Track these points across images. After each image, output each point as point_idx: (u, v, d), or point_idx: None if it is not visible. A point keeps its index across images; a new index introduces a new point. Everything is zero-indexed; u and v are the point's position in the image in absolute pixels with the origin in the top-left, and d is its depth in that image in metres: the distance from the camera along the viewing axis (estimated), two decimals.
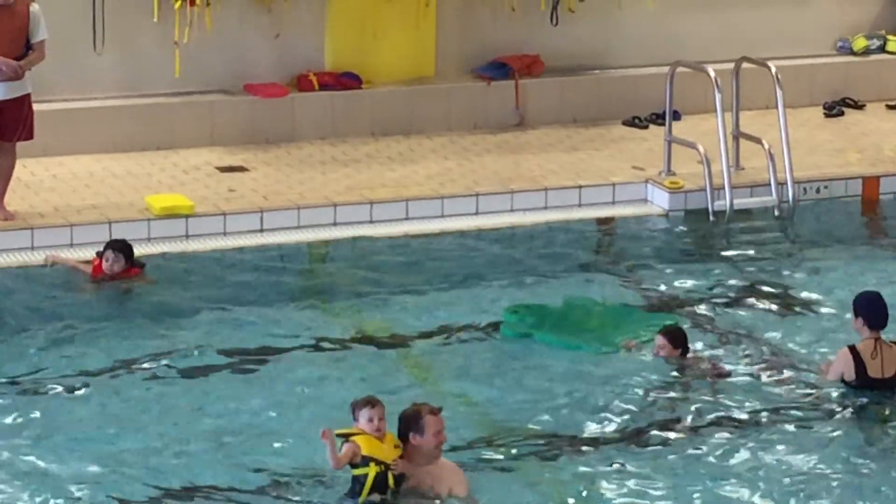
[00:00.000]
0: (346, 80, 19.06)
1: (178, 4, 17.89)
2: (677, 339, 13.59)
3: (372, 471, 11.16)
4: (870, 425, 12.74)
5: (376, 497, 11.22)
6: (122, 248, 15.26)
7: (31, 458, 12.01)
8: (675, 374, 13.38)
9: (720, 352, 13.98)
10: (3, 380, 13.30)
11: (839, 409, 12.92)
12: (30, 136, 16.17)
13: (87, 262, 15.39)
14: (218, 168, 17.82)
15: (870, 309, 13.06)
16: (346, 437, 11.24)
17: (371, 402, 11.35)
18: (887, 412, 12.84)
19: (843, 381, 13.03)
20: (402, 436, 11.37)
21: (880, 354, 12.95)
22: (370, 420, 11.21)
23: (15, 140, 16.11)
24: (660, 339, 13.61)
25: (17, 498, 11.44)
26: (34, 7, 16.00)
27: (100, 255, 15.26)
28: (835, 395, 13.09)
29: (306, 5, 18.82)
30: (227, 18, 18.40)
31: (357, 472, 11.19)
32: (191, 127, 18.43)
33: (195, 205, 16.57)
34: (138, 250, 15.70)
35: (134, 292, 15.15)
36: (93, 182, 17.21)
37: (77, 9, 17.91)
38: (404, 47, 19.29)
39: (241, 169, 17.81)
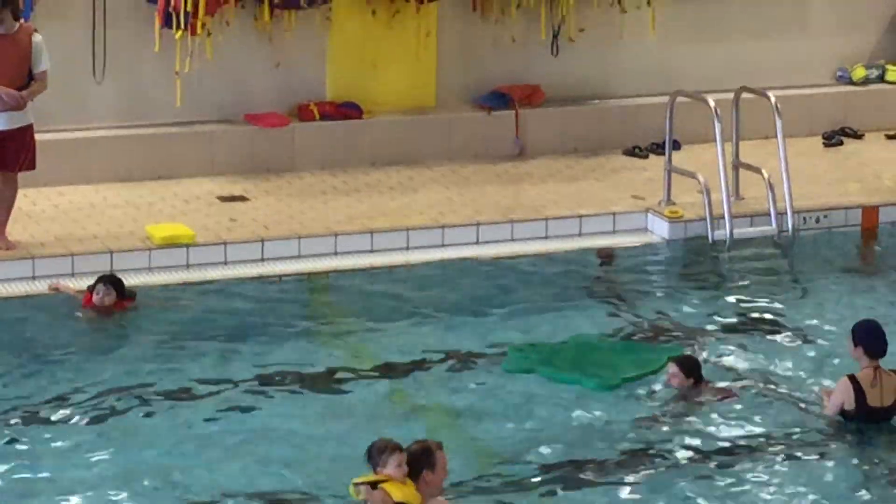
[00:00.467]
0: (347, 110, 19.08)
1: (178, 34, 17.89)
2: (690, 367, 13.57)
3: None
4: (869, 456, 12.76)
5: None
6: (113, 282, 15.24)
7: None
8: (680, 402, 13.40)
9: (721, 382, 13.90)
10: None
11: (839, 438, 12.95)
12: (32, 167, 16.17)
13: (79, 291, 15.41)
14: (219, 198, 17.84)
15: (869, 337, 13.04)
16: (371, 484, 10.94)
17: (398, 448, 11.03)
18: (886, 443, 12.87)
19: (842, 409, 13.03)
20: (414, 473, 11.06)
21: (880, 383, 12.94)
22: (399, 465, 10.89)
23: (17, 170, 16.12)
24: (672, 368, 13.59)
25: None
26: (36, 37, 16.01)
27: (90, 288, 15.20)
28: (835, 424, 13.09)
29: (307, 35, 18.83)
30: (228, 48, 18.41)
31: None
32: (191, 156, 18.45)
33: (196, 234, 16.56)
34: (139, 279, 15.81)
35: (131, 322, 15.11)
36: (93, 212, 17.21)
37: (77, 38, 17.95)
38: (405, 77, 19.32)
39: (241, 198, 17.83)
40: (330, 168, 18.75)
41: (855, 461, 12.69)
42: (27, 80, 15.91)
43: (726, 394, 13.52)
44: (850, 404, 12.95)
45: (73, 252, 16.12)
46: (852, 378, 12.98)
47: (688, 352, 14.38)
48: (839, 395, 13.03)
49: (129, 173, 18.16)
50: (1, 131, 15.89)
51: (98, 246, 16.30)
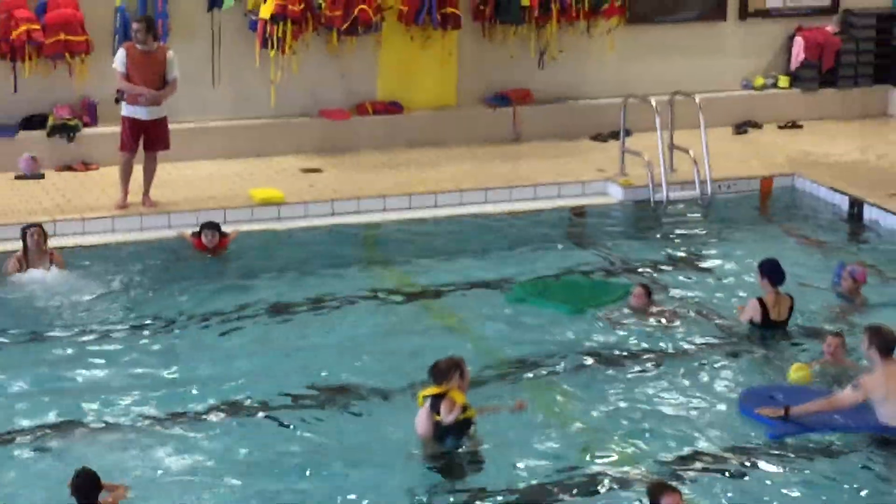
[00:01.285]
0: (392, 107, 19.05)
1: (272, 53, 17.87)
2: (649, 291, 13.59)
3: (472, 413, 10.71)
4: (769, 352, 12.84)
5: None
6: (214, 226, 15.15)
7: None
8: (633, 320, 13.38)
9: (663, 304, 13.92)
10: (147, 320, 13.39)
11: (751, 340, 13.04)
12: (167, 147, 16.18)
13: (184, 235, 15.32)
14: (301, 170, 17.79)
15: (772, 270, 13.10)
16: (438, 396, 10.58)
17: (460, 364, 10.68)
18: (780, 342, 12.96)
19: (751, 322, 13.08)
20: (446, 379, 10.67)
21: (778, 304, 13.02)
22: (463, 377, 10.64)
23: (157, 150, 16.14)
24: (637, 290, 13.56)
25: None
26: (170, 53, 16.01)
27: (196, 234, 15.11)
28: (746, 332, 13.16)
29: (364, 54, 18.79)
30: (307, 63, 18.38)
31: (465, 415, 10.59)
32: (282, 140, 18.43)
33: (285, 196, 16.56)
34: (244, 228, 15.76)
35: (237, 261, 15.07)
36: (211, 180, 17.21)
37: (200, 55, 18.00)
38: (434, 84, 19.25)
39: (317, 170, 17.78)
40: (380, 149, 18.65)
41: (760, 354, 12.79)
42: (163, 84, 15.92)
43: (670, 312, 13.47)
44: (757, 318, 13.02)
45: (197, 208, 16.10)
46: (760, 300, 13.04)
47: (634, 280, 14.38)
48: (750, 311, 13.09)
49: (237, 152, 18.14)
50: (144, 121, 15.91)
51: (214, 204, 16.29)
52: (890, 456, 10.67)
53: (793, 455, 10.75)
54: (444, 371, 10.66)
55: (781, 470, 10.54)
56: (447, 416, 10.53)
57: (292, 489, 10.27)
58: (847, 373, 11.82)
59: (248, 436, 11.06)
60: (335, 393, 11.81)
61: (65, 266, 14.23)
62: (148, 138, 16.00)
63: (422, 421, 10.71)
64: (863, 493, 10.22)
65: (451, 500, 10.14)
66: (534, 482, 10.38)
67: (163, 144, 16.14)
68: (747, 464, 10.67)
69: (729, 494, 10.23)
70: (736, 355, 12.72)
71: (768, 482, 10.40)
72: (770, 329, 13.01)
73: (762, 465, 10.64)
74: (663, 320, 13.29)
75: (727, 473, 10.54)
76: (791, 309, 13.09)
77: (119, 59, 15.77)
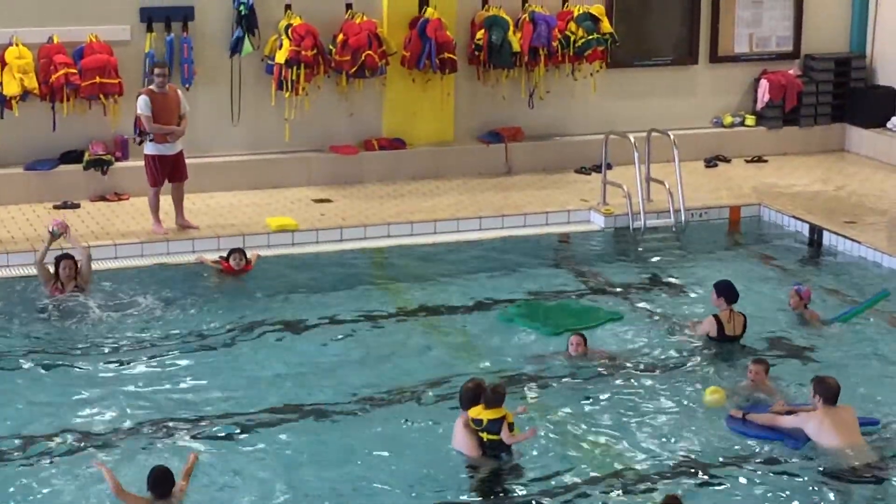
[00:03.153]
0: (396, 143, 19.11)
1: (287, 94, 17.99)
2: (584, 339, 12.95)
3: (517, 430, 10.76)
4: (724, 363, 12.99)
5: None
6: (242, 252, 15.33)
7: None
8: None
9: (634, 322, 14.05)
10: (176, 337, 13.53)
11: (709, 352, 13.18)
12: (187, 177, 16.37)
13: (216, 261, 15.39)
14: (313, 200, 17.87)
15: (726, 290, 13.27)
16: (497, 419, 10.59)
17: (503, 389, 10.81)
18: (735, 354, 13.10)
19: (708, 336, 13.23)
20: (475, 401, 10.70)
21: (733, 320, 13.19)
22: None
23: (182, 181, 16.30)
24: (574, 339, 12.86)
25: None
26: (179, 91, 16.26)
27: (224, 258, 15.25)
28: (705, 343, 13.31)
29: (371, 95, 18.87)
30: (319, 103, 18.46)
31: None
32: (295, 173, 18.52)
33: (298, 223, 16.66)
34: (262, 252, 15.82)
35: (254, 283, 15.14)
36: (232, 209, 17.30)
37: (221, 96, 18.09)
38: (433, 122, 19.30)
39: (328, 201, 17.84)
40: (384, 181, 18.72)
41: (715, 367, 12.87)
42: (178, 121, 16.12)
43: (609, 357, 12.97)
44: (713, 333, 13.19)
45: (218, 235, 16.20)
46: (716, 317, 13.20)
47: (613, 299, 14.45)
48: (706, 326, 13.24)
49: (255, 184, 18.22)
50: (170, 156, 16.11)
51: (234, 231, 16.37)
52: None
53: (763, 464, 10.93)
54: (503, 395, 10.67)
55: (747, 479, 10.70)
56: (511, 439, 10.57)
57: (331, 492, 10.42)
58: (770, 397, 11.84)
59: (282, 439, 11.25)
60: (349, 402, 12.01)
61: (89, 290, 14.32)
62: (174, 170, 16.18)
63: (469, 442, 10.63)
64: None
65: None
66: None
67: (185, 174, 16.32)
68: (721, 472, 10.80)
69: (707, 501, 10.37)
70: (694, 369, 12.84)
71: (739, 488, 10.56)
72: (726, 343, 13.16)
73: (736, 471, 10.79)
74: (604, 363, 12.82)
75: (700, 479, 10.68)
76: (745, 325, 13.22)
77: (145, 105, 15.90)
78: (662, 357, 13.10)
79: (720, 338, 13.16)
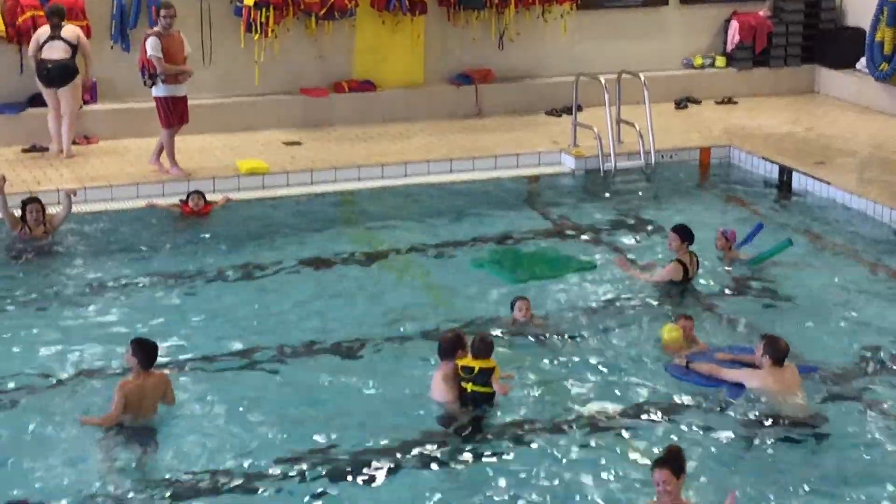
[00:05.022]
0: (366, 86, 19.01)
1: (256, 37, 17.85)
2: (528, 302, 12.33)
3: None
4: (690, 298, 13.08)
5: None
6: (201, 193, 15.28)
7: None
8: None
9: (603, 259, 14.05)
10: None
11: (671, 292, 13.18)
12: (187, 121, 16.35)
13: (176, 204, 15.32)
14: (283, 143, 17.78)
15: (685, 234, 13.28)
16: (487, 370, 10.45)
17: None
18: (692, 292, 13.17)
19: (672, 280, 13.19)
20: (452, 352, 10.59)
21: (692, 262, 13.23)
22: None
23: (185, 123, 16.23)
24: (519, 303, 12.23)
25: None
26: (180, 33, 16.15)
27: (184, 200, 15.20)
28: (668, 285, 13.26)
29: (340, 37, 18.75)
30: (288, 46, 18.37)
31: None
32: (265, 116, 18.41)
33: (269, 166, 16.58)
34: (231, 196, 15.77)
35: (223, 226, 15.08)
36: (202, 152, 17.17)
37: (192, 40, 17.65)
38: (403, 64, 19.20)
39: (298, 143, 17.76)
40: (355, 123, 18.62)
41: (675, 310, 12.77)
42: (184, 61, 16.11)
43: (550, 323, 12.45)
44: (678, 277, 13.19)
45: (189, 178, 16.08)
46: (679, 261, 13.21)
47: (583, 241, 14.41)
48: (672, 272, 13.21)
49: (225, 127, 18.09)
50: (180, 97, 16.08)
51: (205, 174, 16.28)
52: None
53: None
54: (491, 344, 10.54)
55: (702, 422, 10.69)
56: (502, 390, 10.46)
57: (319, 425, 10.43)
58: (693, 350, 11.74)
59: (244, 381, 11.25)
60: (328, 344, 11.98)
61: (55, 233, 14.20)
62: (183, 112, 16.11)
63: (448, 388, 10.47)
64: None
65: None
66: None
67: (187, 117, 16.24)
68: (669, 415, 10.79)
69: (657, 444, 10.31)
70: (659, 315, 12.80)
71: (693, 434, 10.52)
72: (685, 284, 13.19)
73: (683, 416, 10.76)
74: (546, 334, 12.19)
75: (654, 423, 10.66)
76: (698, 265, 13.32)
77: (155, 47, 15.76)
78: (624, 304, 13.01)
79: (684, 279, 13.17)
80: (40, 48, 16.31)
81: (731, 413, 10.70)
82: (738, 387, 10.94)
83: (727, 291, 13.30)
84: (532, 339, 12.04)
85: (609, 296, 13.18)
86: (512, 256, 14.34)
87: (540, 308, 12.61)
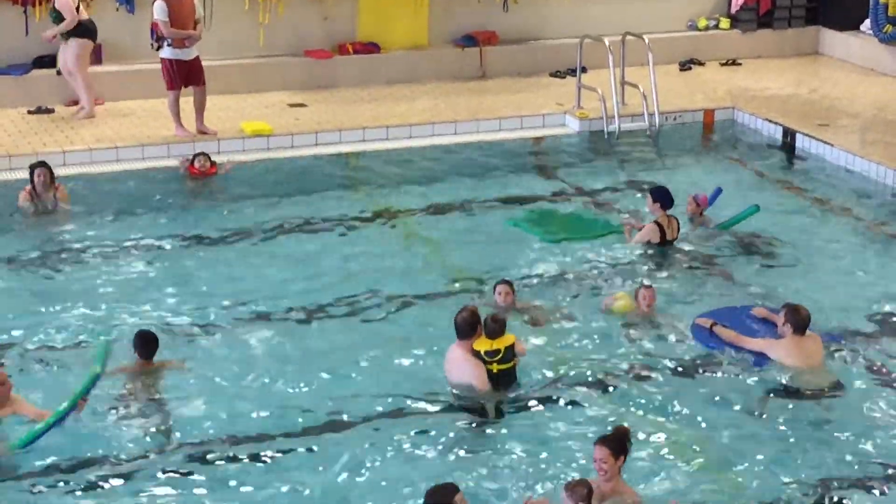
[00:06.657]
0: (371, 48, 18.98)
1: None
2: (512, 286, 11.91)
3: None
4: (670, 259, 13.09)
5: None
6: (207, 155, 15.29)
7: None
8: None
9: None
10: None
11: (656, 256, 13.15)
12: (204, 83, 16.24)
13: (182, 163, 15.35)
14: (288, 104, 17.76)
15: (663, 197, 13.29)
16: (511, 346, 10.22)
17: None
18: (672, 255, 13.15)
19: (649, 242, 13.19)
20: (473, 330, 10.22)
21: (671, 225, 13.24)
22: None
23: (202, 84, 16.13)
24: (501, 287, 11.72)
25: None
26: None
27: (191, 161, 15.20)
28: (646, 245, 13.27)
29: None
30: (293, 7, 18.36)
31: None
32: (270, 78, 18.38)
33: (273, 128, 16.56)
34: (236, 157, 15.76)
35: (229, 187, 15.07)
36: (207, 114, 16.86)
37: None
38: (408, 26, 19.16)
39: (302, 105, 17.75)
40: (359, 85, 18.62)
41: (658, 272, 12.84)
42: (194, 25, 16.01)
43: (534, 308, 11.90)
44: (656, 239, 13.21)
45: (194, 139, 16.06)
46: (657, 222, 13.21)
47: (588, 204, 14.38)
48: (648, 234, 13.23)
49: (230, 89, 18.06)
50: (187, 61, 15.99)
51: (209, 135, 16.23)
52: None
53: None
54: (504, 322, 10.24)
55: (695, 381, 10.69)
56: (522, 352, 10.36)
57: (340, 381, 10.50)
58: (654, 321, 11.59)
59: (252, 343, 11.24)
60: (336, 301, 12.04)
61: (68, 199, 14.10)
62: (192, 74, 16.05)
63: (477, 373, 10.09)
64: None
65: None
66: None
67: (203, 79, 16.17)
68: (676, 373, 10.80)
69: (655, 404, 10.32)
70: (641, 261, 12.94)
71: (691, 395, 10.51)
72: (666, 247, 13.18)
73: (690, 377, 10.77)
74: (529, 317, 11.69)
75: (651, 382, 10.66)
76: (678, 228, 13.27)
77: (162, 10, 15.71)
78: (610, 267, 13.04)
79: (662, 243, 13.16)
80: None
81: (752, 381, 10.64)
82: (761, 356, 10.87)
83: (714, 252, 13.23)
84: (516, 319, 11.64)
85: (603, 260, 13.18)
86: (546, 216, 14.30)
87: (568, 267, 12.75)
